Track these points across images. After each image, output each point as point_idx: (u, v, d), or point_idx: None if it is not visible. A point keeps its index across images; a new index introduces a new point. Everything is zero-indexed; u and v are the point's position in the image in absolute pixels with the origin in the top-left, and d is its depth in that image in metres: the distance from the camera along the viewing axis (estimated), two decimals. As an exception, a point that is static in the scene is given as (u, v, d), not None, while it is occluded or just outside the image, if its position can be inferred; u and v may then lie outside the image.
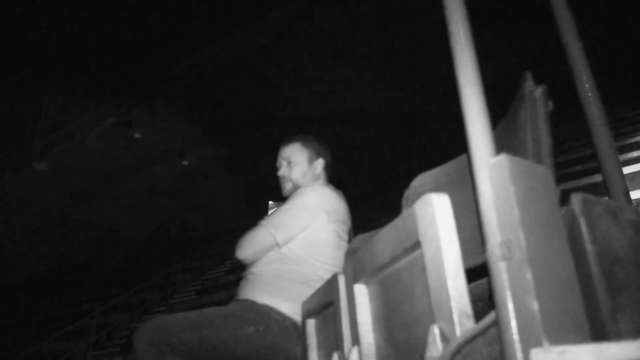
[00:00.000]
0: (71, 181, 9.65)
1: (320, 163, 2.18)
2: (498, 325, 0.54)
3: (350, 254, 1.44)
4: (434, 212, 0.72)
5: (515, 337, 0.51)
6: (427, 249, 0.74)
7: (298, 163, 2.16)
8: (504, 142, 0.96)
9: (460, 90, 0.67)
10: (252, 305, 1.86)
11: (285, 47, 4.52)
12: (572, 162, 5.44)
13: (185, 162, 10.25)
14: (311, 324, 1.43)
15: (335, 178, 2.28)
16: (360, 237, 1.57)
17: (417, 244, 0.78)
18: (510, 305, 0.52)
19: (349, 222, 2.12)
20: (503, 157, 0.59)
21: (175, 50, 4.49)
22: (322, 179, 2.19)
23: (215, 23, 4.23)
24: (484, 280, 0.98)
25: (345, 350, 1.06)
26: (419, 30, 3.63)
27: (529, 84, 0.89)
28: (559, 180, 0.75)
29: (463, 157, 1.24)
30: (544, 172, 0.64)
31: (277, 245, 1.94)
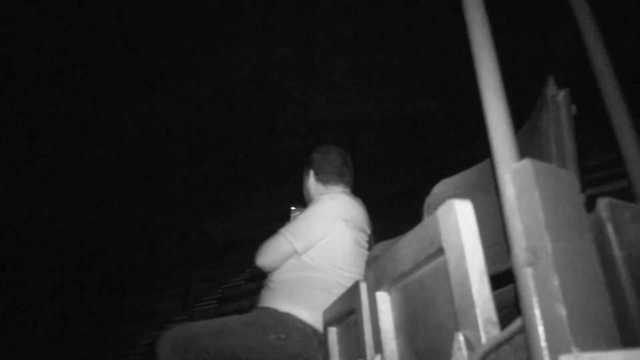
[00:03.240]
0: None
1: (310, 174, 2.23)
2: (525, 332, 0.54)
3: (371, 262, 1.43)
4: (457, 219, 0.71)
5: (543, 344, 0.50)
6: (451, 256, 0.73)
7: (305, 177, 2.25)
8: (526, 146, 0.95)
9: (482, 95, 0.67)
10: (273, 313, 1.87)
11: (303, 56, 4.54)
12: (596, 167, 5.33)
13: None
14: (333, 332, 1.42)
15: (354, 185, 2.28)
16: (381, 245, 1.56)
17: (440, 251, 0.78)
18: (537, 312, 0.52)
19: (368, 230, 2.12)
20: (527, 162, 0.58)
21: (192, 62, 4.56)
22: (340, 187, 2.18)
23: (230, 34, 4.28)
24: (507, 288, 0.96)
25: (368, 358, 1.05)
26: (438, 36, 3.62)
27: (551, 87, 0.88)
28: (584, 185, 0.74)
29: (484, 163, 1.23)
30: (569, 177, 0.64)
31: (296, 253, 1.95)
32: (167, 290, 9.03)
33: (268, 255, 1.96)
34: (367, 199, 2.23)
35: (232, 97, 5.05)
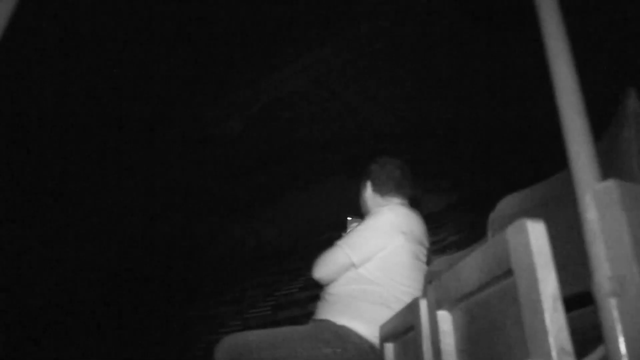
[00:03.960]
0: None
1: (368, 185, 2.20)
2: (608, 367, 0.49)
3: (431, 277, 1.39)
4: (529, 240, 0.68)
5: (630, 382, 0.46)
6: (521, 279, 0.69)
7: (362, 188, 2.23)
8: (603, 164, 0.89)
9: (559, 110, 0.63)
10: (329, 326, 1.85)
11: (361, 66, 4.54)
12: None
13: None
14: (390, 348, 1.39)
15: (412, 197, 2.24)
16: (441, 260, 1.52)
17: (508, 272, 0.74)
18: (623, 347, 0.47)
19: (426, 244, 2.07)
20: (611, 183, 0.54)
21: (249, 73, 4.66)
22: (398, 199, 2.14)
23: (287, 45, 4.34)
24: (582, 312, 0.90)
25: (428, 379, 1.01)
26: (503, 48, 3.51)
27: (632, 101, 0.82)
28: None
29: (552, 179, 1.17)
30: (657, 199, 0.59)
31: (353, 265, 1.93)
32: (222, 295, 9.22)
33: (325, 267, 1.95)
34: (421, 210, 2.19)
35: (289, 107, 5.12)
